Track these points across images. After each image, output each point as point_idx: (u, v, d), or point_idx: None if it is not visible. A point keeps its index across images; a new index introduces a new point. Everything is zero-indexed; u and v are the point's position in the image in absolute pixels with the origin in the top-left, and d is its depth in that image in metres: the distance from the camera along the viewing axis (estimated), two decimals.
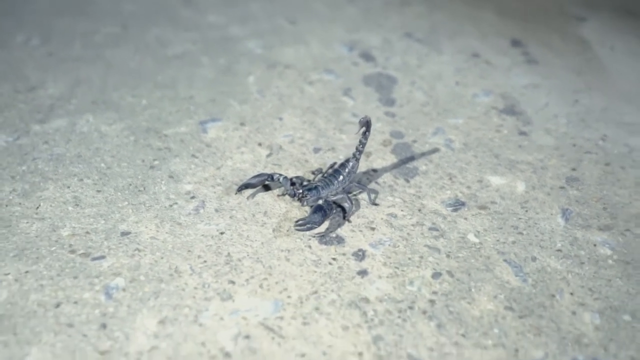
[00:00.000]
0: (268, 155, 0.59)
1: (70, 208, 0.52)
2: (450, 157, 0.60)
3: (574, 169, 0.59)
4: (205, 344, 0.42)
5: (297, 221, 0.51)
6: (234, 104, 0.66)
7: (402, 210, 0.53)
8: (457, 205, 0.54)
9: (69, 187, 0.54)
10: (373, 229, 0.51)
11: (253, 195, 0.54)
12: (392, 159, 0.59)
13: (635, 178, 0.58)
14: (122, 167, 0.57)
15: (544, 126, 0.65)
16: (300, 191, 0.52)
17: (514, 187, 0.57)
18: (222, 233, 0.50)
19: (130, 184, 0.55)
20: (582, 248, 0.51)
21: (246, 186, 0.53)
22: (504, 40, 0.80)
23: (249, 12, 0.83)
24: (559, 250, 0.50)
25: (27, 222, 0.51)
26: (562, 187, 0.57)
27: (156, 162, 0.57)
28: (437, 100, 0.68)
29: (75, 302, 0.44)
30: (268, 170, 0.56)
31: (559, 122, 0.66)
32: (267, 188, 0.55)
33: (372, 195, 0.55)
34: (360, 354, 0.42)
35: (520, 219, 0.53)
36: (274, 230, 0.51)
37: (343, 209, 0.53)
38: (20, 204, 0.52)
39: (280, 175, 0.53)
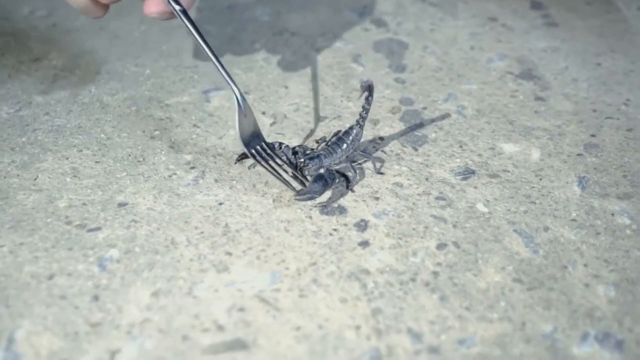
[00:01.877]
0: (272, 124, 0.57)
1: (68, 179, 0.51)
2: (462, 124, 0.57)
3: (593, 135, 0.56)
4: (199, 316, 0.41)
5: (297, 191, 0.49)
6: (239, 72, 0.64)
7: (408, 179, 0.51)
8: (467, 173, 0.52)
9: (67, 158, 0.53)
10: (377, 198, 0.49)
11: (254, 164, 0.52)
12: (400, 127, 0.57)
13: None
14: (122, 138, 0.55)
15: (563, 91, 0.62)
16: (302, 160, 0.51)
17: (529, 155, 0.54)
18: (220, 204, 0.49)
19: (130, 155, 0.54)
20: (598, 217, 0.48)
21: (246, 155, 0.52)
22: (523, 2, 0.76)
23: None
24: (573, 220, 0.48)
25: (25, 194, 0.50)
26: (579, 154, 0.54)
27: (157, 132, 0.56)
28: (450, 66, 0.65)
29: (69, 274, 0.43)
30: (271, 140, 0.54)
31: (579, 87, 0.62)
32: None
33: (378, 164, 0.52)
34: (357, 327, 0.40)
35: (533, 187, 0.51)
36: (274, 201, 0.49)
37: (347, 178, 0.51)
38: (18, 175, 0.51)
39: (282, 144, 0.51)
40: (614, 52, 0.68)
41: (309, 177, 0.51)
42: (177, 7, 0.50)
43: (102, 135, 0.56)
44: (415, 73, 0.64)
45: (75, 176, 0.51)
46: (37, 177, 0.51)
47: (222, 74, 0.50)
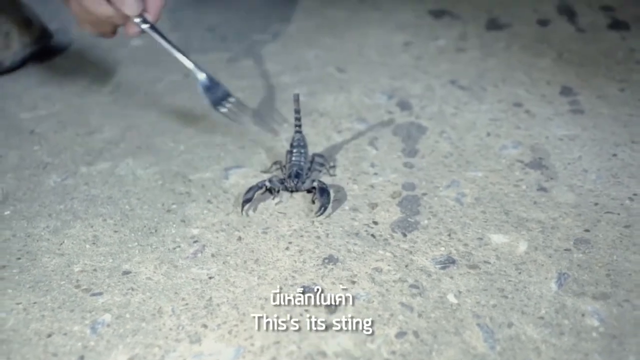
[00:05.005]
0: (277, 204, 0.62)
1: (87, 246, 0.58)
2: (457, 212, 0.59)
3: (587, 230, 0.56)
4: None
5: (316, 212, 0.59)
6: (261, 151, 0.69)
7: (389, 265, 0.54)
8: (447, 263, 0.54)
9: (92, 226, 0.60)
10: (354, 282, 0.52)
11: (254, 208, 0.60)
12: (396, 212, 0.60)
13: None
14: (143, 210, 0.62)
15: (569, 182, 0.62)
16: (294, 184, 0.61)
17: (515, 247, 0.55)
18: (210, 278, 0.54)
19: (145, 226, 0.60)
20: (567, 317, 0.48)
21: (246, 202, 0.60)
22: (554, 87, 0.77)
23: (303, 60, 0.86)
24: (541, 317, 0.48)
25: (49, 257, 0.57)
26: (567, 249, 0.54)
27: (174, 206, 0.62)
28: (461, 152, 0.67)
29: (65, 334, 0.49)
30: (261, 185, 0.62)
31: (587, 178, 0.62)
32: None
33: (331, 165, 0.65)
34: None
35: (510, 281, 0.52)
36: (259, 278, 0.53)
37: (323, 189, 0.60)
38: (48, 239, 0.59)
39: (268, 182, 0.61)
40: (635, 143, 0.67)
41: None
42: (146, 26, 0.66)
43: (127, 207, 0.62)
44: (425, 158, 0.67)
45: (94, 243, 0.58)
46: (63, 242, 0.59)
47: (185, 64, 0.69)
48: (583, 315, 0.48)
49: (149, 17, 0.66)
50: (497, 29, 0.91)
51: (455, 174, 0.64)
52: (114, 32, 0.68)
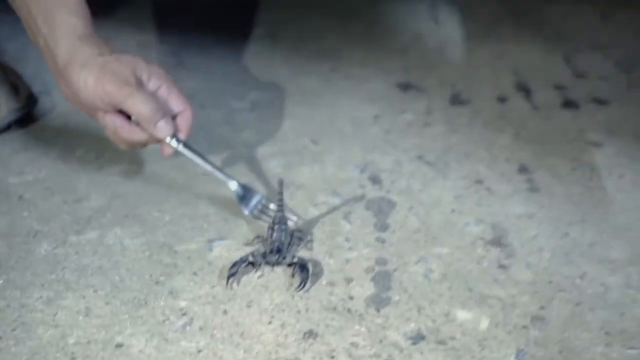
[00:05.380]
0: (259, 277, 0.66)
1: (80, 317, 0.61)
2: (425, 288, 0.65)
3: (542, 308, 0.62)
4: None
5: (296, 288, 0.63)
6: (243, 223, 0.74)
7: (364, 340, 0.59)
8: (417, 339, 0.59)
9: (84, 297, 0.64)
10: (333, 357, 0.57)
11: (238, 281, 0.65)
12: (370, 287, 0.65)
13: (602, 321, 0.61)
14: (132, 281, 0.66)
15: (526, 260, 0.68)
16: (275, 259, 0.66)
17: (478, 323, 0.61)
18: (199, 351, 0.58)
19: (135, 298, 0.64)
20: None
21: (231, 276, 0.64)
22: (512, 165, 0.84)
23: (279, 130, 0.92)
24: None
25: (44, 329, 0.60)
26: (524, 327, 0.60)
27: (161, 278, 0.66)
28: (429, 227, 0.73)
29: None
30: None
31: (542, 257, 0.69)
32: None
33: (308, 239, 0.70)
34: None
35: (474, 357, 0.57)
36: (244, 352, 0.58)
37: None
38: (42, 310, 0.62)
39: (251, 256, 0.66)
40: (585, 222, 0.74)
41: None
42: (180, 145, 0.69)
43: (117, 278, 0.66)
44: (396, 233, 0.72)
45: (87, 315, 0.62)
46: (57, 313, 0.62)
47: (219, 177, 0.72)
48: None
49: (181, 136, 0.69)
50: (460, 105, 0.98)
51: (423, 250, 0.70)
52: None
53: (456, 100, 1.00)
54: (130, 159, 0.85)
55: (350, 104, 0.98)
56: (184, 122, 0.70)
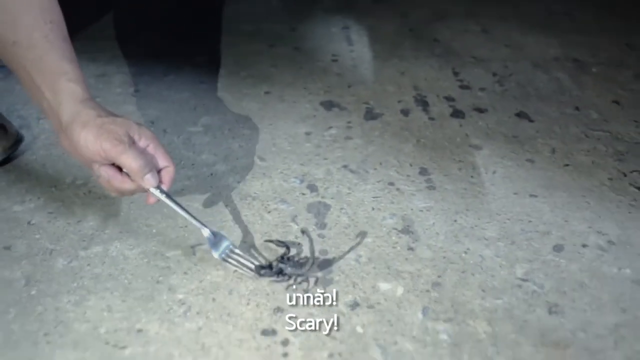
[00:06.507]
0: (235, 271, 0.89)
1: (105, 313, 0.82)
2: (357, 269, 0.89)
3: (439, 277, 0.88)
4: None
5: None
6: (215, 230, 0.96)
7: (317, 311, 0.83)
8: (354, 306, 0.83)
9: (104, 298, 0.85)
10: (297, 324, 0.81)
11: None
12: (316, 273, 0.89)
13: (479, 282, 0.87)
14: (138, 282, 0.87)
15: (427, 242, 0.94)
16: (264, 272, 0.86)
17: (395, 291, 0.86)
18: (199, 329, 0.80)
19: (143, 295, 0.85)
20: (428, 334, 0.79)
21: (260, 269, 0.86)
22: (415, 169, 1.10)
23: (231, 150, 1.14)
24: (414, 336, 0.79)
25: (79, 324, 0.81)
26: (427, 290, 0.86)
27: (160, 278, 0.88)
28: (356, 223, 0.98)
29: None
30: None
31: (438, 239, 0.95)
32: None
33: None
34: None
35: (394, 314, 0.82)
36: (233, 326, 0.81)
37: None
38: (73, 311, 0.83)
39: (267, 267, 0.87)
40: (468, 210, 1.01)
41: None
42: (163, 195, 0.85)
43: (125, 281, 0.87)
44: (332, 229, 0.97)
45: (109, 311, 0.83)
46: (86, 312, 0.83)
47: (194, 223, 0.87)
48: (438, 333, 0.80)
49: (164, 187, 0.84)
50: (373, 119, 1.23)
51: (353, 241, 0.94)
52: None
53: (369, 115, 1.25)
54: (95, 175, 1.06)
55: (286, 124, 1.21)
56: (167, 175, 0.85)
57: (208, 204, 1.01)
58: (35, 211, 0.99)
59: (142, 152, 0.81)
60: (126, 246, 0.93)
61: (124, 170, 0.82)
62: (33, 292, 0.85)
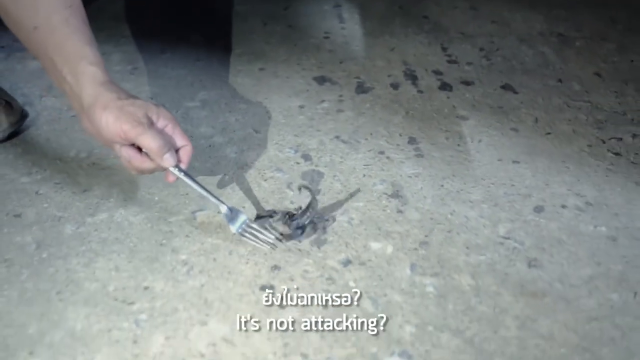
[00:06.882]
0: (234, 234, 0.94)
1: (113, 273, 0.88)
2: (349, 231, 0.95)
3: (426, 236, 0.94)
4: (191, 349, 0.77)
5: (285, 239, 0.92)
6: (232, 206, 1.01)
7: (312, 267, 0.88)
8: (346, 263, 0.89)
9: (111, 259, 0.90)
10: (292, 280, 0.86)
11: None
12: (311, 234, 0.94)
13: (464, 241, 0.93)
14: (143, 245, 0.92)
15: (415, 205, 1.00)
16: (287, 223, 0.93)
17: (385, 250, 0.91)
18: (202, 285, 0.85)
19: (148, 257, 0.90)
20: (416, 287, 0.85)
21: (258, 218, 0.93)
22: (404, 138, 1.15)
23: (228, 123, 1.19)
24: (402, 289, 0.85)
25: (89, 283, 0.86)
26: (415, 249, 0.91)
27: (164, 241, 0.93)
28: (348, 189, 1.03)
29: (119, 329, 0.79)
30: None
31: (426, 202, 1.00)
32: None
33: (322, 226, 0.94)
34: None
35: (384, 270, 0.88)
36: (233, 283, 0.86)
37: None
38: (83, 271, 0.88)
39: (274, 214, 0.94)
40: (454, 176, 1.06)
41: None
42: (182, 174, 0.88)
43: (131, 244, 0.93)
44: (325, 195, 1.02)
45: (117, 271, 0.88)
46: (95, 272, 0.88)
47: (211, 200, 0.91)
48: (425, 286, 0.85)
49: (182, 166, 0.86)
50: (364, 92, 1.28)
51: (346, 205, 1.00)
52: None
53: (360, 89, 1.30)
54: (115, 155, 1.11)
55: (280, 98, 1.26)
56: (185, 154, 0.89)
57: (207, 173, 1.06)
58: (42, 182, 1.04)
59: (161, 133, 0.83)
60: (130, 213, 0.98)
61: (144, 150, 0.85)
62: (44, 255, 0.90)
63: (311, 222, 0.94)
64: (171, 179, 0.89)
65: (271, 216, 0.95)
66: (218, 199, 0.91)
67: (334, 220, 0.95)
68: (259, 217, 0.95)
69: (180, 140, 0.88)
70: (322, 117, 1.21)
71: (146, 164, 0.86)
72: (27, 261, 0.89)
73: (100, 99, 0.80)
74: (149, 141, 0.81)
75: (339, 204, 1.00)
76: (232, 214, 0.92)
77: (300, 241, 0.92)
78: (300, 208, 0.96)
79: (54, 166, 1.08)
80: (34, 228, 0.95)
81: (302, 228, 0.93)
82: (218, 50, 1.42)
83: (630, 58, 1.44)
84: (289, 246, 0.92)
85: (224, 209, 0.92)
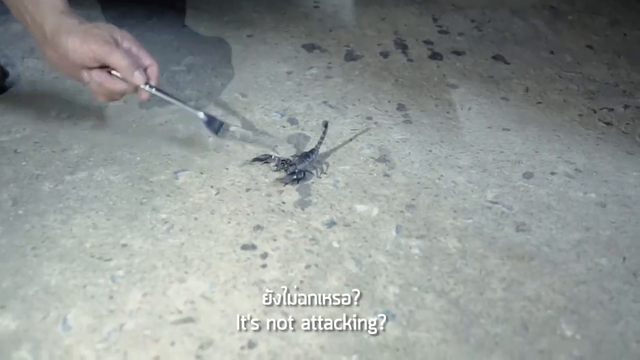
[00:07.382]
0: (216, 194, 0.92)
1: (91, 230, 0.85)
2: (335, 193, 0.93)
3: (413, 199, 0.92)
4: (169, 306, 0.75)
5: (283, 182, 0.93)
6: (197, 158, 0.99)
7: (295, 228, 0.86)
8: (331, 224, 0.87)
9: (89, 217, 0.87)
10: (275, 240, 0.84)
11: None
12: (296, 195, 0.92)
13: (452, 205, 0.91)
14: (123, 204, 0.90)
15: (402, 169, 0.98)
16: (286, 166, 0.94)
17: (371, 212, 0.89)
18: (182, 244, 0.83)
19: (127, 215, 0.88)
20: (401, 249, 0.83)
21: (255, 160, 0.95)
22: (393, 105, 1.13)
23: (214, 87, 1.16)
24: (387, 250, 0.83)
25: (65, 239, 0.84)
26: (401, 211, 0.90)
27: (144, 200, 0.91)
28: (335, 153, 1.01)
29: (95, 285, 0.77)
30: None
31: (413, 167, 0.98)
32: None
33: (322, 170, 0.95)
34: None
35: (368, 232, 0.86)
36: (214, 242, 0.84)
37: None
38: (60, 228, 0.85)
39: (275, 156, 0.95)
40: (443, 142, 1.04)
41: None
42: (154, 90, 0.88)
43: (110, 202, 0.90)
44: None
45: (95, 228, 0.86)
46: (72, 229, 0.85)
47: (188, 110, 0.93)
48: (410, 248, 0.84)
49: (152, 82, 0.87)
50: (353, 60, 1.26)
51: (332, 168, 0.98)
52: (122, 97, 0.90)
53: (350, 56, 1.27)
54: (98, 115, 1.08)
55: (268, 64, 1.24)
56: (153, 72, 0.89)
57: (192, 135, 1.04)
58: (22, 141, 1.02)
59: (128, 52, 0.84)
60: (111, 172, 0.96)
61: (113, 71, 0.85)
62: (20, 212, 0.88)
63: (305, 170, 0.94)
64: (144, 96, 0.89)
65: (267, 161, 0.96)
66: (194, 108, 0.94)
67: (328, 166, 0.97)
68: (255, 160, 0.97)
69: (145, 60, 0.89)
70: (310, 83, 1.18)
71: (118, 84, 0.86)
72: (3, 217, 0.87)
73: (63, 25, 0.80)
74: (118, 59, 0.81)
75: (324, 165, 0.98)
76: (209, 120, 0.95)
77: (293, 185, 0.93)
78: (297, 155, 0.97)
79: (34, 125, 1.05)
80: (10, 185, 0.93)
81: (296, 174, 0.93)
82: (205, 17, 1.39)
83: (622, 31, 1.42)
84: (272, 207, 0.90)
85: (201, 115, 0.94)
